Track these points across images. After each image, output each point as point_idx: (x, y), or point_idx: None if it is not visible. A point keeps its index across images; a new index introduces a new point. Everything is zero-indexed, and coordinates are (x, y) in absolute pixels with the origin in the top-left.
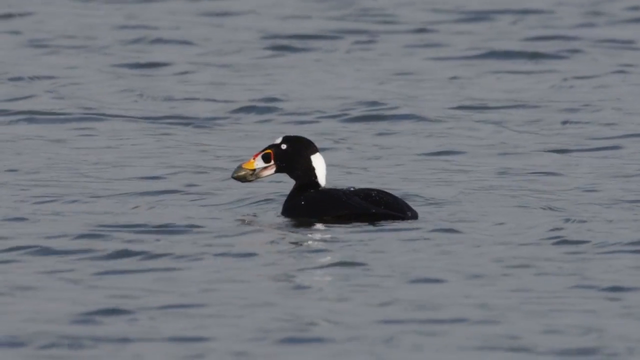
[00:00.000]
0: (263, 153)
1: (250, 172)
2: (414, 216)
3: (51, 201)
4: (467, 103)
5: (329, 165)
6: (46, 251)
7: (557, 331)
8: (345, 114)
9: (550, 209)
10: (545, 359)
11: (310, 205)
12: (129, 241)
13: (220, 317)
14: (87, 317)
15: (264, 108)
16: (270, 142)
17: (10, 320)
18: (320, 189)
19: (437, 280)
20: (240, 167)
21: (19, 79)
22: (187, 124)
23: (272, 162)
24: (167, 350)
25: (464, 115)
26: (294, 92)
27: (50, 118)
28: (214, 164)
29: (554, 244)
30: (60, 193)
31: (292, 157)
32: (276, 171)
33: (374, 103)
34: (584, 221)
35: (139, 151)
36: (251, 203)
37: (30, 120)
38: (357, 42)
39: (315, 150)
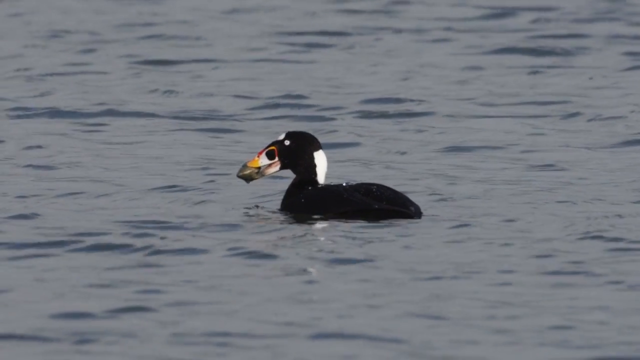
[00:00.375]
0: (267, 150)
1: (255, 170)
2: (417, 211)
3: (65, 195)
4: (489, 99)
5: (350, 160)
6: (62, 246)
7: (579, 327)
8: (367, 109)
9: (571, 204)
10: (569, 353)
11: (311, 202)
12: (136, 237)
13: (238, 313)
14: (111, 314)
15: (286, 104)
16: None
17: (36, 316)
18: (319, 185)
19: (453, 277)
20: (245, 166)
21: (37, 75)
22: (207, 120)
23: (277, 158)
24: (189, 347)
25: (485, 110)
26: (315, 88)
27: (70, 114)
28: (239, 159)
29: (574, 240)
30: (79, 189)
31: (296, 153)
32: (281, 168)
33: (396, 99)
34: (607, 217)
35: (158, 147)
36: (266, 200)
37: (52, 115)
38: (379, 39)
39: (318, 146)
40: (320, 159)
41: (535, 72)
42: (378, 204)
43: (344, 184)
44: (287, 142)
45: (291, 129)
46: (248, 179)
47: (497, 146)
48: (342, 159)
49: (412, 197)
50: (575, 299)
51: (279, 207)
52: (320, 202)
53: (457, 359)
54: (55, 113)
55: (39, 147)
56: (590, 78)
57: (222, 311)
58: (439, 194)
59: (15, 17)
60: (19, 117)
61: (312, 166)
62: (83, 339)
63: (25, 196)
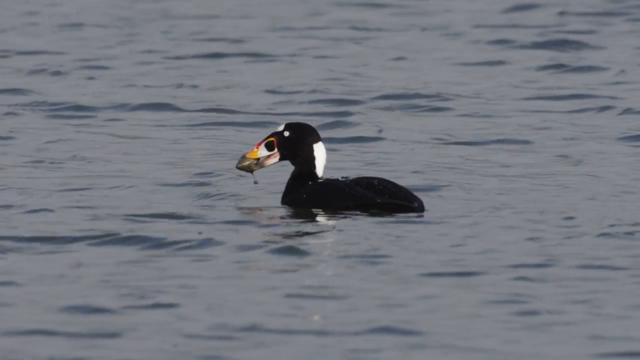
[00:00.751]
0: (266, 141)
1: (255, 162)
2: (420, 205)
3: (83, 190)
4: (510, 93)
5: (371, 153)
6: (82, 240)
7: (601, 321)
8: (389, 104)
9: (592, 199)
10: (594, 348)
11: (312, 197)
12: (150, 231)
13: (252, 307)
14: (133, 309)
15: (308, 99)
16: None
17: (59, 310)
18: (320, 180)
19: (471, 271)
20: (244, 157)
21: (60, 69)
22: (232, 113)
23: (276, 149)
24: (205, 342)
25: (507, 104)
26: (337, 82)
27: (89, 109)
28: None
29: (594, 234)
30: (97, 183)
31: (295, 144)
32: (280, 159)
33: (418, 94)
34: (630, 212)
35: (180, 141)
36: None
37: (74, 109)
38: (401, 33)
39: (317, 138)
40: (319, 150)
41: (556, 67)
42: (381, 198)
43: (342, 178)
44: (286, 133)
45: (314, 123)
46: (247, 170)
47: (518, 140)
48: (362, 152)
49: (434, 192)
50: (598, 292)
51: (279, 203)
52: (322, 196)
53: (479, 351)
54: (77, 108)
55: (61, 140)
56: (620, 72)
57: (235, 306)
58: (458, 188)
59: (36, 12)
60: (38, 111)
61: (312, 158)
62: (105, 333)
63: (44, 190)
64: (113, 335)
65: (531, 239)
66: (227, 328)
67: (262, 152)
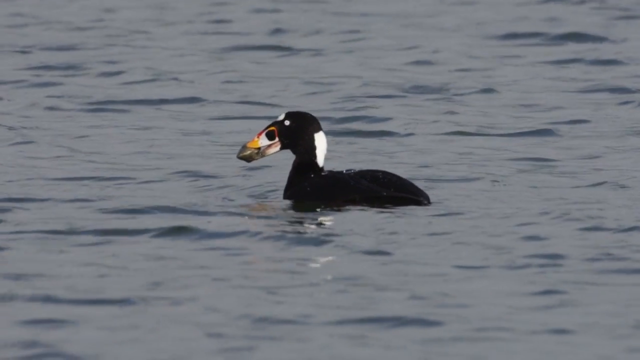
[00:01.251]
0: (267, 131)
1: (255, 151)
2: (427, 199)
3: (110, 179)
4: (548, 85)
5: (401, 145)
6: (102, 234)
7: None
8: (417, 98)
9: (622, 194)
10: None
11: (317, 190)
12: (158, 223)
13: (275, 297)
14: (140, 299)
15: (337, 94)
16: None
17: (84, 302)
18: (324, 173)
19: (491, 266)
20: (244, 147)
21: (91, 63)
22: (265, 106)
23: (277, 139)
24: (229, 332)
25: (543, 97)
26: (368, 74)
27: (125, 102)
28: None
29: (609, 228)
30: (125, 176)
31: (296, 133)
32: (281, 148)
33: (447, 89)
34: None
35: (212, 134)
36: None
37: (107, 103)
38: (437, 26)
39: (318, 127)
40: (320, 140)
41: (587, 60)
42: (386, 191)
43: (346, 171)
44: (287, 123)
45: (344, 115)
46: (248, 159)
47: (549, 133)
48: (391, 144)
49: (460, 184)
50: (636, 285)
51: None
52: (326, 190)
53: (504, 341)
54: (107, 102)
55: (91, 135)
56: None
57: (254, 298)
58: (486, 181)
59: (63, 6)
60: (69, 105)
61: (312, 147)
62: (132, 325)
63: (74, 183)
64: (140, 326)
65: (563, 232)
66: (249, 319)
67: (263, 141)
